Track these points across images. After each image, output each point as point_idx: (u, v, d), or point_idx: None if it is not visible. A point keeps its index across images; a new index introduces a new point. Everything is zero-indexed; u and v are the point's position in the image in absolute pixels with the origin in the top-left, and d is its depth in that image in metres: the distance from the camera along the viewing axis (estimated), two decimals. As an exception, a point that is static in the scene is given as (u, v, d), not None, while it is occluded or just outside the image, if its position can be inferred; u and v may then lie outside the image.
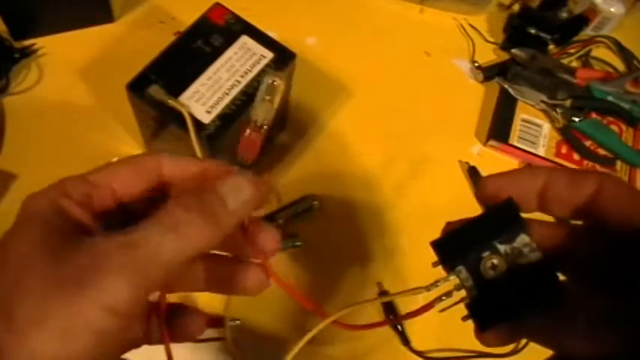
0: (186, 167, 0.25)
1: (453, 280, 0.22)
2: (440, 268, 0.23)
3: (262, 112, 0.26)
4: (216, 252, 0.27)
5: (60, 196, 0.22)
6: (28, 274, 0.19)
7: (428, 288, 0.23)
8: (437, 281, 0.23)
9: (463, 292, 0.22)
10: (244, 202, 0.23)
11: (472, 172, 0.58)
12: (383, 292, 0.51)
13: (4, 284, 0.19)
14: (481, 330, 0.22)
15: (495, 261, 0.21)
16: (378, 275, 0.52)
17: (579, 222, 0.23)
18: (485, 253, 0.22)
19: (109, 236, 0.20)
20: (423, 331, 0.50)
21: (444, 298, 0.23)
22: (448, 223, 0.24)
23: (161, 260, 0.20)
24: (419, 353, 0.49)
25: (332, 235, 0.54)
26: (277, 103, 0.27)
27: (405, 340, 0.49)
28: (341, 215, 0.54)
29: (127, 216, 0.24)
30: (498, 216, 0.22)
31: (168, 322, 0.25)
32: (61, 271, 0.19)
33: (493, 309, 0.22)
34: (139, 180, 0.24)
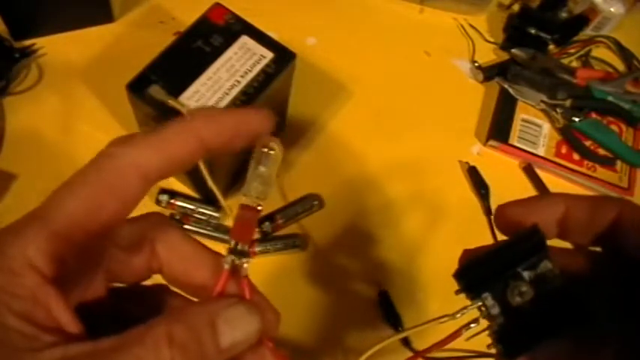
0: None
1: (479, 307, 0.22)
2: (457, 285, 0.22)
3: (256, 186, 0.22)
4: None
5: (24, 269, 0.17)
6: None
7: (454, 316, 0.22)
8: (464, 308, 0.22)
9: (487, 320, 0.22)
10: (241, 341, 0.19)
11: (472, 172, 0.58)
12: (383, 292, 0.51)
13: None
14: (508, 358, 0.21)
15: (523, 288, 0.21)
16: (379, 275, 0.52)
17: (597, 249, 0.22)
18: (512, 280, 0.21)
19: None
20: (423, 331, 0.50)
21: (472, 325, 0.22)
22: (465, 251, 0.24)
23: None
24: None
25: (332, 235, 0.54)
26: (275, 174, 0.23)
27: (406, 341, 0.49)
28: (341, 215, 0.54)
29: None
30: (523, 243, 0.21)
31: None
32: None
33: (519, 337, 0.21)
34: (109, 200, 0.19)
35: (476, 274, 0.22)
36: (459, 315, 0.22)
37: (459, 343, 0.55)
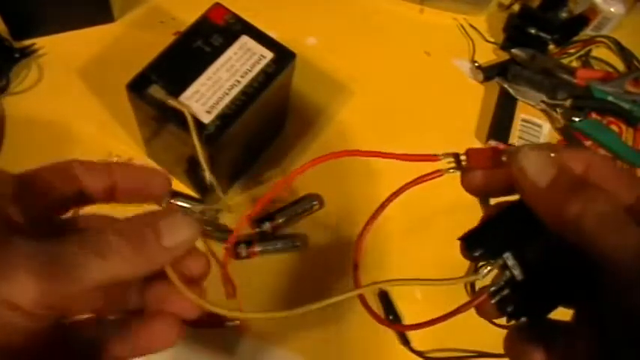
0: (98, 176, 0.25)
1: (501, 266, 0.22)
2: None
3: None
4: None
5: None
6: None
7: (478, 273, 0.23)
8: (484, 267, 0.22)
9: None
10: (181, 242, 0.22)
11: (472, 172, 0.58)
12: (383, 292, 0.51)
13: None
14: (517, 318, 0.22)
15: (537, 251, 0.21)
16: (379, 276, 0.52)
17: None
18: (526, 243, 0.22)
19: (32, 241, 0.20)
20: (423, 331, 0.50)
21: (493, 288, 0.22)
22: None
23: (80, 279, 0.19)
24: (419, 353, 0.49)
25: (332, 235, 0.54)
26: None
27: (405, 340, 0.49)
28: (341, 216, 0.54)
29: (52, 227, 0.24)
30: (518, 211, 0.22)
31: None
32: None
33: (535, 299, 0.22)
34: (62, 184, 0.24)
35: (486, 238, 0.23)
36: (483, 273, 0.22)
37: (458, 342, 0.55)
